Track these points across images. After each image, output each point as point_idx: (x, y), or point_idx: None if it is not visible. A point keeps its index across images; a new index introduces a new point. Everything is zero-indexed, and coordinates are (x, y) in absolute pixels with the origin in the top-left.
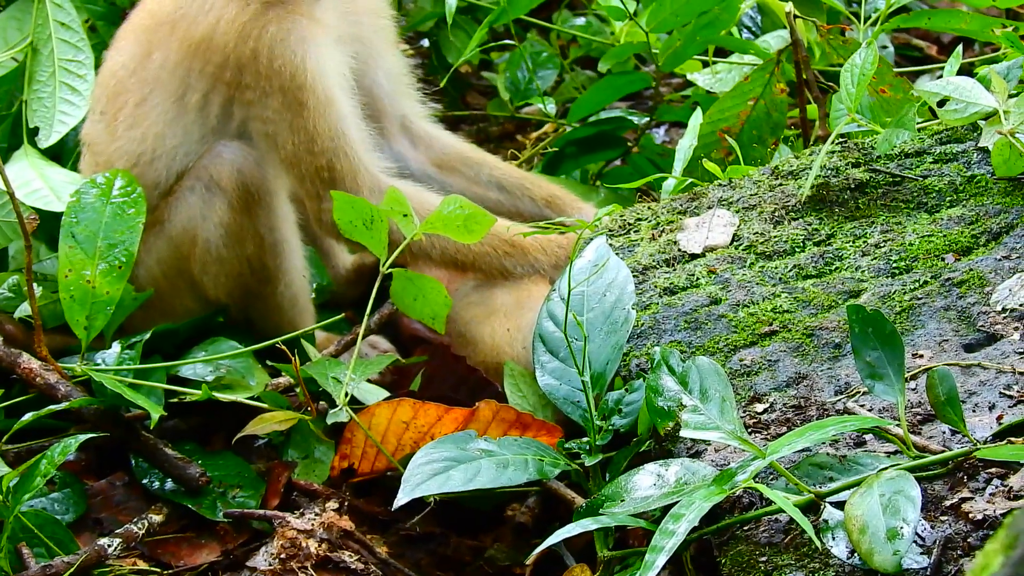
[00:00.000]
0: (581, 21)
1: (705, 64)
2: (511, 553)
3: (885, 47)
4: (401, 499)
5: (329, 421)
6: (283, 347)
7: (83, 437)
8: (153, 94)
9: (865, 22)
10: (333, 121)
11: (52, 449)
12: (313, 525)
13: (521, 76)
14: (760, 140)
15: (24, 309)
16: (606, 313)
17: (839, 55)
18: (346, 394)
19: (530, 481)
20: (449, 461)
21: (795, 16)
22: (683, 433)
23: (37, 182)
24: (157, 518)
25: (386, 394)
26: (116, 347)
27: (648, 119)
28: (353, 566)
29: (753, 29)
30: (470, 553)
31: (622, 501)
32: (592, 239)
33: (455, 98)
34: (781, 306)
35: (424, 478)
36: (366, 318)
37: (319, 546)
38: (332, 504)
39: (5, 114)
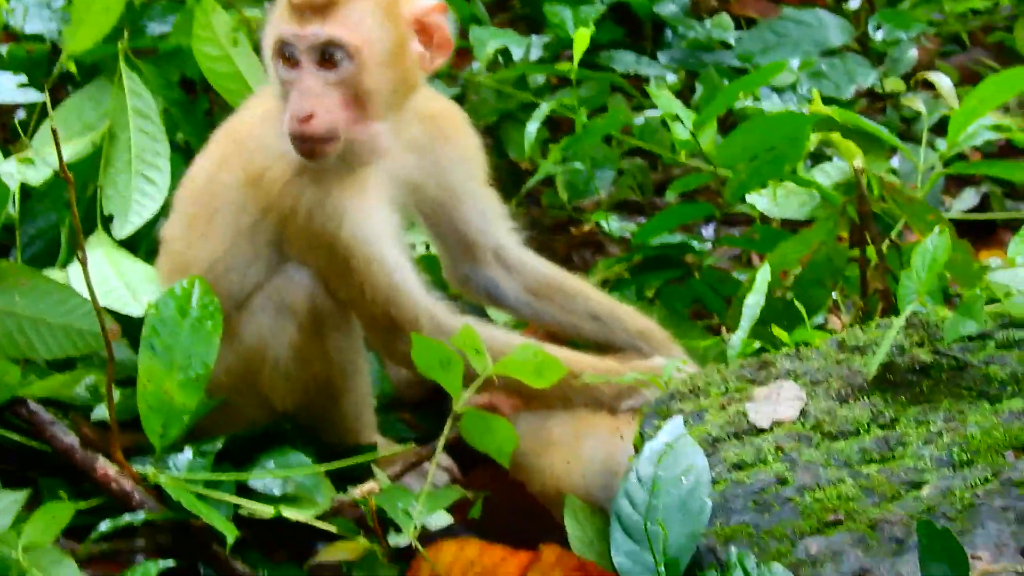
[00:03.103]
0: (640, 120)
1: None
2: None
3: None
4: None
5: (392, 544)
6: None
7: (162, 564)
8: (222, 209)
9: (925, 161)
10: (382, 277)
11: (132, 573)
12: None
13: (579, 177)
14: (820, 283)
15: (101, 413)
16: (682, 499)
17: (902, 211)
18: (415, 527)
19: None
20: None
21: (862, 170)
22: None
23: (114, 280)
24: None
25: (450, 520)
26: (188, 453)
27: (710, 246)
28: None
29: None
30: None
31: None
32: (662, 409)
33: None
34: (846, 493)
35: None
36: (436, 456)
37: None
38: None
39: (79, 198)
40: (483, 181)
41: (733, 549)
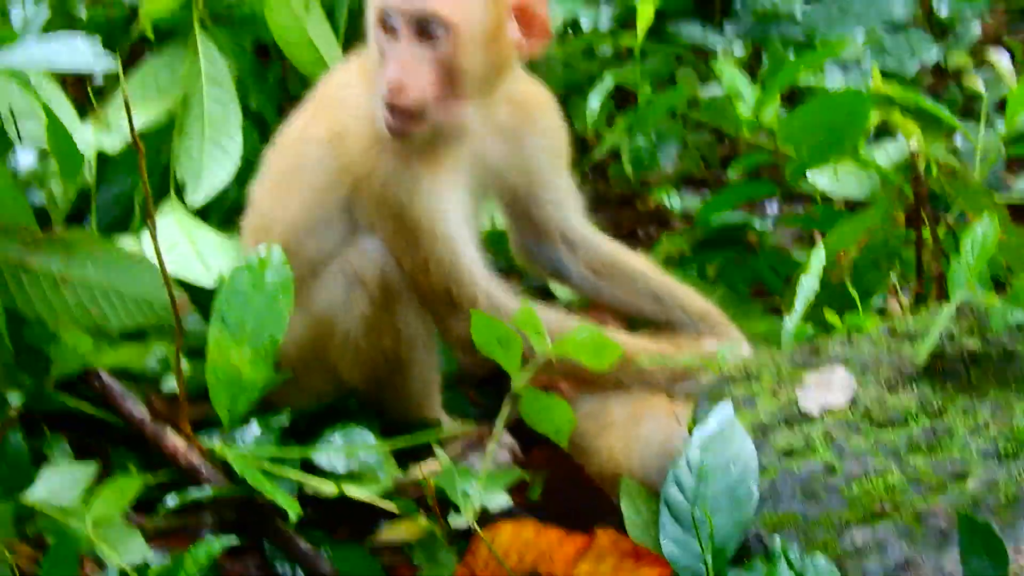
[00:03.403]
0: (707, 94)
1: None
2: None
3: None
4: None
5: (452, 524)
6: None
7: (226, 541)
8: (306, 166)
9: (985, 141)
10: (446, 255)
11: (197, 548)
12: None
13: (644, 151)
14: (876, 265)
15: (172, 385)
16: (730, 488)
17: (957, 194)
18: (474, 509)
19: None
20: None
21: (918, 152)
22: None
23: (185, 245)
24: None
25: (509, 501)
26: (255, 428)
27: (771, 224)
28: None
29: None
30: None
31: None
32: (715, 393)
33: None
34: (893, 483)
35: None
36: (495, 436)
37: None
38: None
39: (153, 165)
40: (564, 169)
41: (778, 539)
